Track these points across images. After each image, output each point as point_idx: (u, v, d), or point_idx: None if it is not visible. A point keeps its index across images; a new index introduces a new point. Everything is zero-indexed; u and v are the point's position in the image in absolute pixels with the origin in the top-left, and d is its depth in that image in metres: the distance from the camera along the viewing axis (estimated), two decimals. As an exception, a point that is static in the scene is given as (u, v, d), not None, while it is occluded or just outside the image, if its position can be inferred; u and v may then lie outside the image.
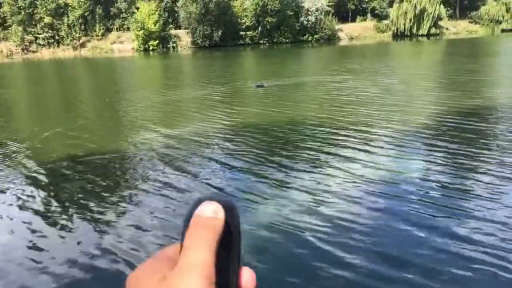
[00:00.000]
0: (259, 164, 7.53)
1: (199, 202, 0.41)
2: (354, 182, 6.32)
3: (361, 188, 6.06)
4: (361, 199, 5.68)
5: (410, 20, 65.23)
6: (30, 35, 63.55)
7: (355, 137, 8.82)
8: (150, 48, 60.91)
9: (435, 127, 9.46)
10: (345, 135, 9.04)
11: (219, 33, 62.00)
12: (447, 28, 69.12)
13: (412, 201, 5.54)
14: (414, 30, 65.34)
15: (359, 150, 7.92)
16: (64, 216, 5.76)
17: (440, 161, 7.11)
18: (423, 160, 7.27)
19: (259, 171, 7.13)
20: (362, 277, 3.98)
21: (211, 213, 0.39)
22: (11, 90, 23.91)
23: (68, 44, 64.27)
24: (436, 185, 6.07)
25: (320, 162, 7.38)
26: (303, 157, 7.74)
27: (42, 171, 7.99)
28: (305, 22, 66.62)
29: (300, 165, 7.30)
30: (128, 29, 65.75)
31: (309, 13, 66.31)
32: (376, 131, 9.28)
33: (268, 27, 64.39)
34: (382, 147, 8.05)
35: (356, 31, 70.02)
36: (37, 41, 64.21)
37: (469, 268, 4.02)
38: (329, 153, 7.82)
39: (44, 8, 62.64)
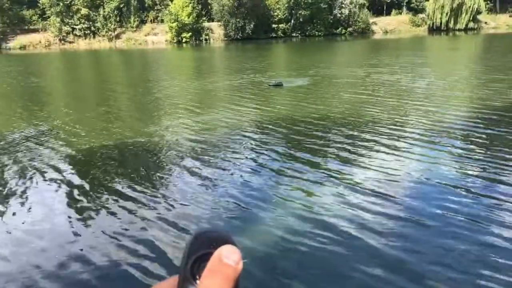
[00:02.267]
0: (286, 157, 7.57)
1: (204, 237, 0.41)
2: (383, 180, 6.26)
3: (390, 187, 6.01)
4: (390, 199, 5.63)
5: (447, 14, 63.63)
6: (67, 26, 65.03)
7: (386, 134, 8.69)
8: (183, 40, 61.46)
9: (470, 126, 9.22)
10: (375, 132, 8.91)
11: (252, 25, 62.01)
12: (486, 23, 67.03)
13: (442, 206, 5.39)
14: (451, 25, 63.71)
15: (390, 147, 7.80)
16: (94, 202, 5.96)
17: (474, 163, 6.89)
18: (455, 161, 7.07)
19: (286, 165, 7.16)
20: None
21: (234, 263, 0.40)
22: (48, 79, 24.68)
23: (103, 36, 65.49)
24: (469, 189, 5.92)
25: (347, 158, 7.33)
26: (332, 152, 7.70)
27: (74, 155, 8.40)
28: (339, 15, 65.91)
29: (328, 161, 7.25)
30: (162, 21, 66.46)
31: (343, 6, 65.55)
32: (408, 129, 9.12)
33: (300, 19, 64.01)
34: (413, 146, 7.89)
35: (391, 25, 68.79)
36: (74, 32, 65.68)
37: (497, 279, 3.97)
38: (357, 150, 7.77)
39: (81, 0, 63.95)
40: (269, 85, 16.26)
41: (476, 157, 7.18)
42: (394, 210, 5.27)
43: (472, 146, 7.80)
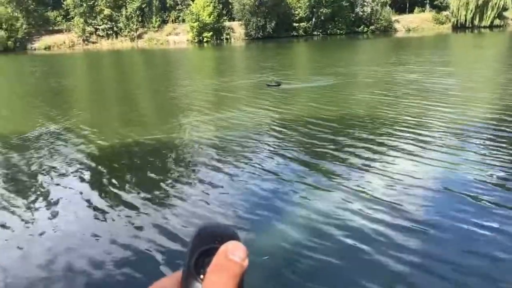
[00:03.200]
0: (299, 162, 7.43)
1: (208, 232, 0.40)
2: (398, 188, 6.05)
3: (405, 196, 5.81)
4: (405, 208, 5.44)
5: (472, 11, 62.35)
6: (91, 27, 65.98)
7: (405, 137, 8.47)
8: (204, 40, 61.71)
9: (495, 126, 8.97)
10: (393, 135, 8.71)
11: (272, 24, 61.87)
12: (512, 19, 65.55)
13: (458, 216, 5.13)
14: (476, 22, 62.37)
15: (407, 152, 7.57)
16: (110, 199, 5.98)
17: (495, 170, 6.57)
18: (476, 167, 6.74)
19: (299, 169, 7.05)
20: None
21: (240, 259, 0.39)
22: (71, 79, 25.05)
23: (126, 36, 66.24)
24: (488, 199, 5.69)
25: (362, 164, 7.15)
26: (347, 157, 7.55)
27: (93, 153, 8.51)
28: (361, 13, 65.26)
29: (342, 166, 7.08)
30: (183, 21, 66.82)
31: (365, 3, 64.88)
32: (427, 132, 8.86)
33: (322, 18, 63.59)
34: (432, 151, 7.62)
35: (414, 23, 67.73)
36: (97, 32, 66.61)
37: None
38: (375, 155, 7.61)
39: (104, 0, 64.80)
40: (267, 85, 15.93)
41: (498, 164, 6.79)
42: (408, 220, 5.03)
43: (494, 152, 7.39)
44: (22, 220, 5.67)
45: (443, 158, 7.07)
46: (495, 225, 4.78)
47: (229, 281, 0.38)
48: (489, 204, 5.33)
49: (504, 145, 7.69)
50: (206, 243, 0.40)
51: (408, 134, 8.59)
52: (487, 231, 4.64)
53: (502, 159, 6.93)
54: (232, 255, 0.39)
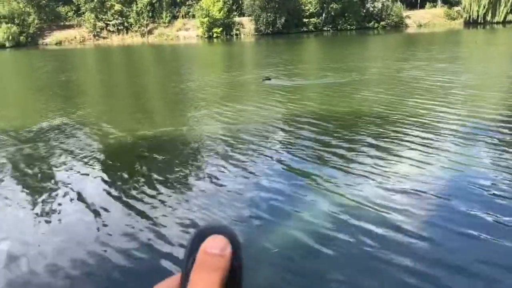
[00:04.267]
0: (311, 157, 7.42)
1: (202, 233, 0.40)
2: (412, 182, 6.05)
3: (418, 188, 5.82)
4: (420, 203, 5.45)
5: (484, 6, 61.60)
6: (101, 22, 66.32)
7: (418, 132, 8.46)
8: (214, 36, 61.71)
9: (506, 124, 8.89)
10: (405, 129, 8.72)
11: (282, 20, 61.68)
12: (525, 15, 64.60)
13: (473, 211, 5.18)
14: (489, 17, 61.65)
15: (418, 148, 7.56)
16: (118, 194, 6.02)
17: (507, 164, 6.63)
18: (489, 162, 6.69)
19: (310, 165, 7.03)
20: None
21: (219, 250, 0.38)
22: (82, 73, 25.23)
23: (136, 31, 66.48)
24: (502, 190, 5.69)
25: (377, 155, 7.17)
26: (362, 150, 7.57)
27: (101, 147, 8.62)
28: (371, 9, 64.81)
29: (354, 162, 7.05)
30: (193, 16, 66.88)
31: (376, -1, 64.43)
32: (441, 126, 8.86)
33: (332, 13, 63.25)
34: (444, 147, 7.60)
35: (425, 18, 67.14)
36: (108, 27, 66.94)
37: None
38: (388, 145, 7.61)
39: (115, -4, 65.14)
40: (262, 80, 16.33)
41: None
42: (415, 224, 5.00)
43: (504, 154, 7.21)
44: (28, 212, 5.75)
45: (452, 160, 6.92)
46: (502, 230, 4.73)
47: (210, 276, 0.37)
48: (499, 210, 5.29)
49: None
50: (199, 244, 0.40)
51: (415, 133, 8.46)
52: (495, 237, 4.55)
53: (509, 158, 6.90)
54: (210, 248, 0.38)
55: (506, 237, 4.46)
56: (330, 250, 4.38)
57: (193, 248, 0.39)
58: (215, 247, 0.38)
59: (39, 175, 7.18)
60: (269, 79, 16.30)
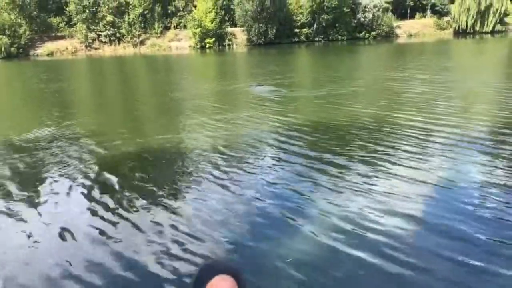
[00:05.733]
0: (311, 165, 7.51)
1: (209, 270, 0.40)
2: (412, 189, 6.14)
3: (423, 199, 5.87)
4: (424, 212, 5.50)
5: (473, 16, 62.36)
6: (93, 33, 66.17)
7: (412, 141, 8.58)
8: (207, 46, 61.83)
9: (498, 133, 8.97)
10: (401, 139, 8.82)
11: (274, 30, 61.95)
12: (514, 25, 65.46)
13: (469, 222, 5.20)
14: (478, 27, 62.40)
15: (417, 155, 7.68)
16: (112, 205, 6.01)
17: (503, 173, 6.69)
18: (478, 178, 6.73)
19: (311, 173, 7.11)
20: None
21: None
22: (73, 84, 25.15)
23: (128, 42, 66.43)
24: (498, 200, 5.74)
25: (377, 165, 7.23)
26: (359, 159, 7.63)
27: (95, 158, 8.62)
28: (362, 19, 65.32)
29: (355, 168, 7.17)
30: (185, 27, 66.99)
31: (366, 9, 64.94)
32: (435, 135, 8.95)
33: (323, 24, 63.67)
34: (441, 154, 7.74)
35: (415, 28, 67.83)
36: (100, 38, 66.79)
37: None
38: (386, 156, 7.66)
39: (107, 7, 65.03)
40: (255, 85, 17.18)
41: (503, 174, 6.78)
42: (427, 224, 5.14)
43: (499, 163, 7.34)
44: (25, 222, 5.72)
45: (440, 177, 6.86)
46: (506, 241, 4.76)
47: None
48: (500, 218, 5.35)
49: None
50: (206, 281, 0.41)
51: (403, 148, 8.44)
52: (487, 258, 4.52)
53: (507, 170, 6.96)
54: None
55: (499, 258, 4.42)
56: (333, 259, 4.40)
57: (200, 282, 0.41)
58: (220, 287, 0.37)
59: (29, 186, 7.13)
60: (261, 85, 17.00)
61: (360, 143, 8.74)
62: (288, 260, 4.43)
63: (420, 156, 7.67)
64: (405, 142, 8.60)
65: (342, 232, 4.99)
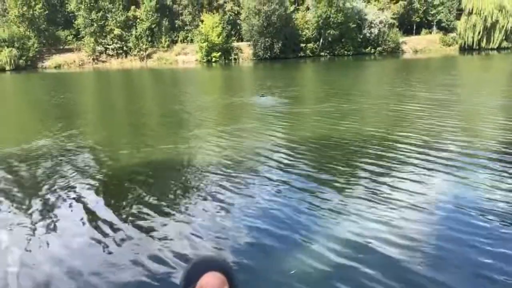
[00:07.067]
0: (311, 179, 7.48)
1: (198, 266, 0.38)
2: (408, 204, 6.08)
3: (424, 211, 5.81)
4: (425, 225, 5.43)
5: (479, 33, 62.43)
6: (101, 46, 66.90)
7: (415, 157, 8.50)
8: (213, 60, 62.26)
9: (502, 150, 8.89)
10: (404, 155, 8.77)
11: (280, 45, 62.31)
12: (520, 42, 65.41)
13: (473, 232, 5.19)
14: (484, 44, 62.45)
15: (419, 171, 7.61)
16: (112, 218, 5.97)
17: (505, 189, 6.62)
18: (486, 186, 6.75)
19: (311, 187, 7.08)
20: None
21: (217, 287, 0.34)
22: (81, 96, 25.33)
23: (135, 55, 67.06)
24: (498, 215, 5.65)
25: (379, 181, 7.17)
26: (360, 176, 7.56)
27: (98, 170, 8.62)
28: (368, 35, 65.60)
29: (356, 186, 7.10)
30: (192, 41, 67.60)
31: (372, 25, 65.26)
32: (437, 151, 8.87)
33: (329, 39, 63.98)
34: (443, 169, 7.66)
35: (421, 44, 68.02)
36: (107, 51, 67.49)
37: None
38: (389, 172, 7.59)
39: (114, 20, 65.81)
40: (260, 96, 18.50)
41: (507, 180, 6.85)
42: (430, 235, 5.07)
43: (504, 168, 7.46)
44: (27, 232, 5.69)
45: (445, 190, 6.89)
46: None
47: None
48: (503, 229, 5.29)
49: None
50: (196, 279, 0.39)
51: (415, 155, 8.58)
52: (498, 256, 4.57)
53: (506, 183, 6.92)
54: (209, 285, 0.38)
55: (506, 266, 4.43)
56: (337, 270, 4.32)
57: (189, 280, 0.39)
58: (210, 285, 0.38)
59: (33, 195, 7.13)
60: (264, 96, 18.18)
61: (362, 159, 8.68)
62: (292, 272, 4.39)
63: (423, 173, 7.60)
64: (407, 159, 8.53)
65: (344, 245, 4.96)
